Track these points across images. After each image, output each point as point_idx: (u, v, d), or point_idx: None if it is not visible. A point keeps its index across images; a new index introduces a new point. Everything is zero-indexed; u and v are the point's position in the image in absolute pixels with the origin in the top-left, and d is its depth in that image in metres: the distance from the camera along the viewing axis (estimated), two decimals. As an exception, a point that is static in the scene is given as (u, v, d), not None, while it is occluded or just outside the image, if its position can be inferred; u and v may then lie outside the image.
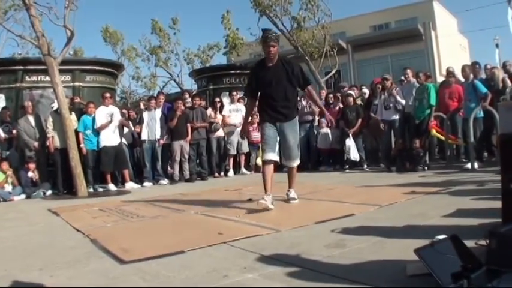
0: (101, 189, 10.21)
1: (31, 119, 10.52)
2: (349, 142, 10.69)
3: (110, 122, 10.37)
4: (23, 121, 10.45)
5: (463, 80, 9.99)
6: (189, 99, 12.54)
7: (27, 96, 11.96)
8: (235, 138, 11.96)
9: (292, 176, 6.03)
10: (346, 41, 35.56)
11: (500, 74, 10.00)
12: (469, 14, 65.00)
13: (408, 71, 10.77)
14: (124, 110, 12.30)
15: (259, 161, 7.46)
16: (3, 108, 11.19)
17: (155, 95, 14.25)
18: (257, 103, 6.12)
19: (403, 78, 11.39)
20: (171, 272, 3.03)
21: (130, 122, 11.64)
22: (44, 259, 3.65)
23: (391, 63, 34.31)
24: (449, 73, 10.65)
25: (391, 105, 10.24)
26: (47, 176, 10.35)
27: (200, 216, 5.38)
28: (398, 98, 10.19)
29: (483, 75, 10.64)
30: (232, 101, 12.42)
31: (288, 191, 6.00)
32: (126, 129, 11.32)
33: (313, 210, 5.21)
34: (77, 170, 9.28)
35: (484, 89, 9.11)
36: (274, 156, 5.70)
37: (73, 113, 10.27)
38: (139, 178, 11.30)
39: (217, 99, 12.78)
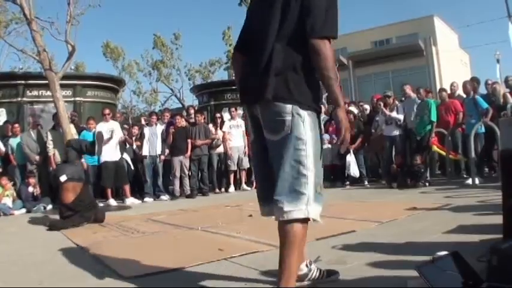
0: (101, 204, 10.18)
1: (33, 133, 10.57)
2: (350, 158, 10.69)
3: (110, 138, 10.36)
4: (26, 135, 10.49)
5: (463, 95, 10.04)
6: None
7: (28, 110, 12.00)
8: (235, 154, 11.94)
9: (285, 246, 2.43)
10: (347, 56, 35.76)
11: (502, 90, 10.02)
12: (470, 30, 65.60)
13: (405, 87, 10.82)
14: (125, 126, 12.30)
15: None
16: (5, 122, 11.22)
17: (156, 111, 14.26)
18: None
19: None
20: (171, 288, 3.02)
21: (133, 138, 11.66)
22: (43, 273, 3.64)
23: (391, 79, 34.45)
24: (441, 90, 10.81)
25: (393, 120, 10.29)
26: (48, 190, 10.34)
27: (200, 232, 5.36)
28: (393, 114, 10.25)
29: (483, 91, 10.66)
30: (232, 117, 12.40)
31: None
32: (128, 145, 11.30)
33: (314, 226, 5.16)
34: (77, 185, 9.27)
35: (485, 105, 9.13)
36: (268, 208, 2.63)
37: (71, 125, 10.24)
38: (140, 193, 11.29)
39: (218, 115, 12.78)
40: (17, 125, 10.85)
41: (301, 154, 2.40)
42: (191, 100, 28.49)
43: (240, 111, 12.31)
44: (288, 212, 2.38)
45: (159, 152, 11.21)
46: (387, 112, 10.39)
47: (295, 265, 2.45)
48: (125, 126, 12.25)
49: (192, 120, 12.02)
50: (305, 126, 2.43)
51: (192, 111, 13.16)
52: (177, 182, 11.20)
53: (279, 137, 2.44)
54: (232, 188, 12.03)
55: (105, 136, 10.35)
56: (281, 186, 2.41)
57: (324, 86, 2.45)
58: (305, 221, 2.46)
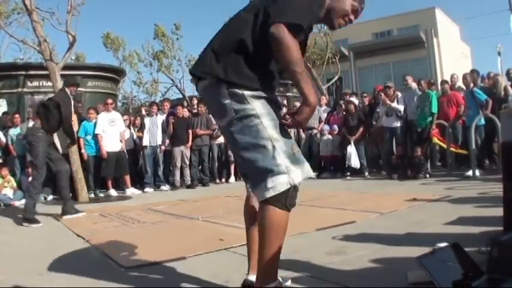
0: (102, 195, 10.20)
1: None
2: (351, 149, 10.70)
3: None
4: (25, 126, 10.46)
5: (463, 87, 10.02)
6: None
7: (28, 101, 11.99)
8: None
9: (261, 231, 2.24)
10: (348, 48, 35.58)
11: (503, 82, 9.97)
12: (471, 22, 65.40)
13: (407, 77, 10.80)
14: (126, 116, 12.29)
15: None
16: (4, 113, 11.20)
17: (156, 101, 14.25)
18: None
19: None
20: (172, 278, 3.02)
21: (131, 128, 11.66)
22: (44, 264, 3.64)
23: (393, 71, 34.32)
24: (443, 81, 10.80)
25: (393, 112, 10.29)
26: (48, 180, 10.32)
27: (201, 222, 5.37)
28: (393, 104, 10.25)
29: (484, 83, 10.60)
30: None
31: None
32: (126, 135, 11.28)
33: (315, 217, 5.18)
34: (78, 175, 9.27)
35: (483, 96, 9.09)
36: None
37: (74, 115, 10.20)
38: (140, 184, 11.30)
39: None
40: (17, 116, 10.83)
41: (258, 129, 2.14)
42: (192, 90, 28.41)
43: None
44: (270, 189, 2.11)
45: (159, 142, 11.21)
46: (388, 101, 10.36)
47: (275, 259, 2.17)
48: (125, 117, 12.22)
49: (195, 111, 12.01)
50: (250, 102, 2.15)
51: (195, 101, 13.16)
52: (177, 172, 11.20)
53: (225, 121, 2.22)
54: (232, 179, 12.03)
55: (107, 126, 10.40)
56: (251, 167, 2.19)
57: (293, 83, 2.16)
58: (286, 208, 2.15)
